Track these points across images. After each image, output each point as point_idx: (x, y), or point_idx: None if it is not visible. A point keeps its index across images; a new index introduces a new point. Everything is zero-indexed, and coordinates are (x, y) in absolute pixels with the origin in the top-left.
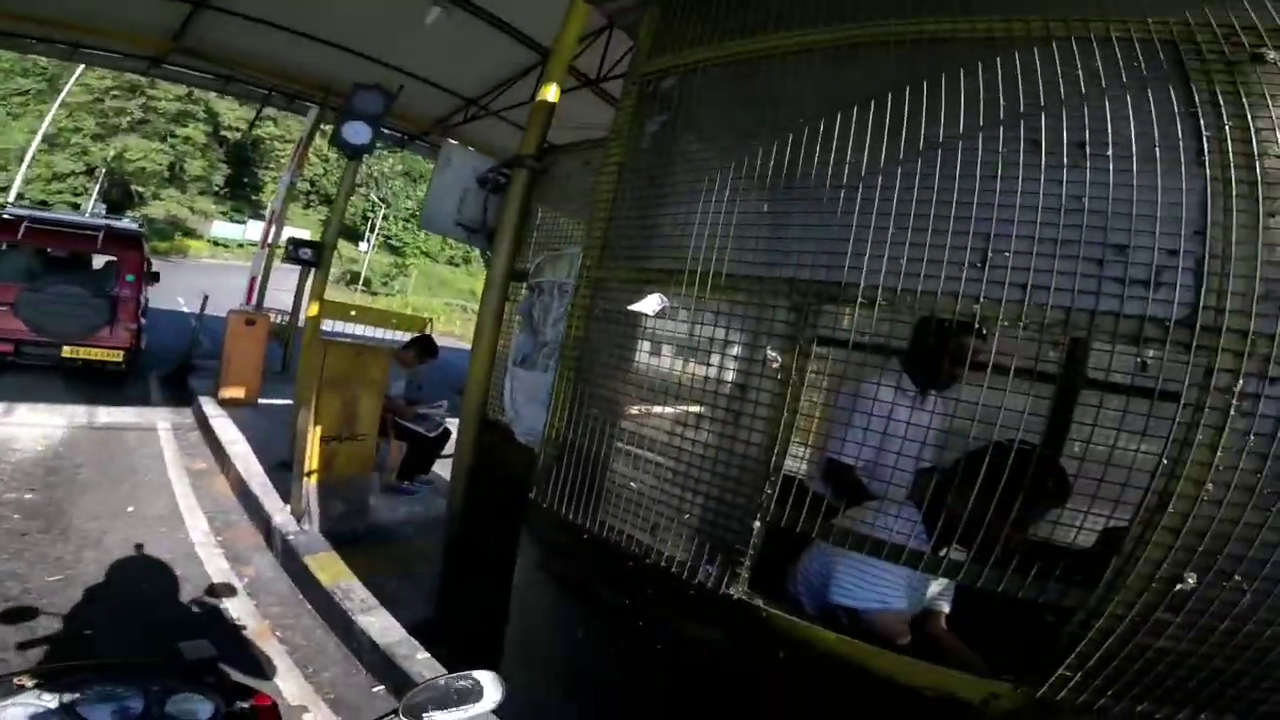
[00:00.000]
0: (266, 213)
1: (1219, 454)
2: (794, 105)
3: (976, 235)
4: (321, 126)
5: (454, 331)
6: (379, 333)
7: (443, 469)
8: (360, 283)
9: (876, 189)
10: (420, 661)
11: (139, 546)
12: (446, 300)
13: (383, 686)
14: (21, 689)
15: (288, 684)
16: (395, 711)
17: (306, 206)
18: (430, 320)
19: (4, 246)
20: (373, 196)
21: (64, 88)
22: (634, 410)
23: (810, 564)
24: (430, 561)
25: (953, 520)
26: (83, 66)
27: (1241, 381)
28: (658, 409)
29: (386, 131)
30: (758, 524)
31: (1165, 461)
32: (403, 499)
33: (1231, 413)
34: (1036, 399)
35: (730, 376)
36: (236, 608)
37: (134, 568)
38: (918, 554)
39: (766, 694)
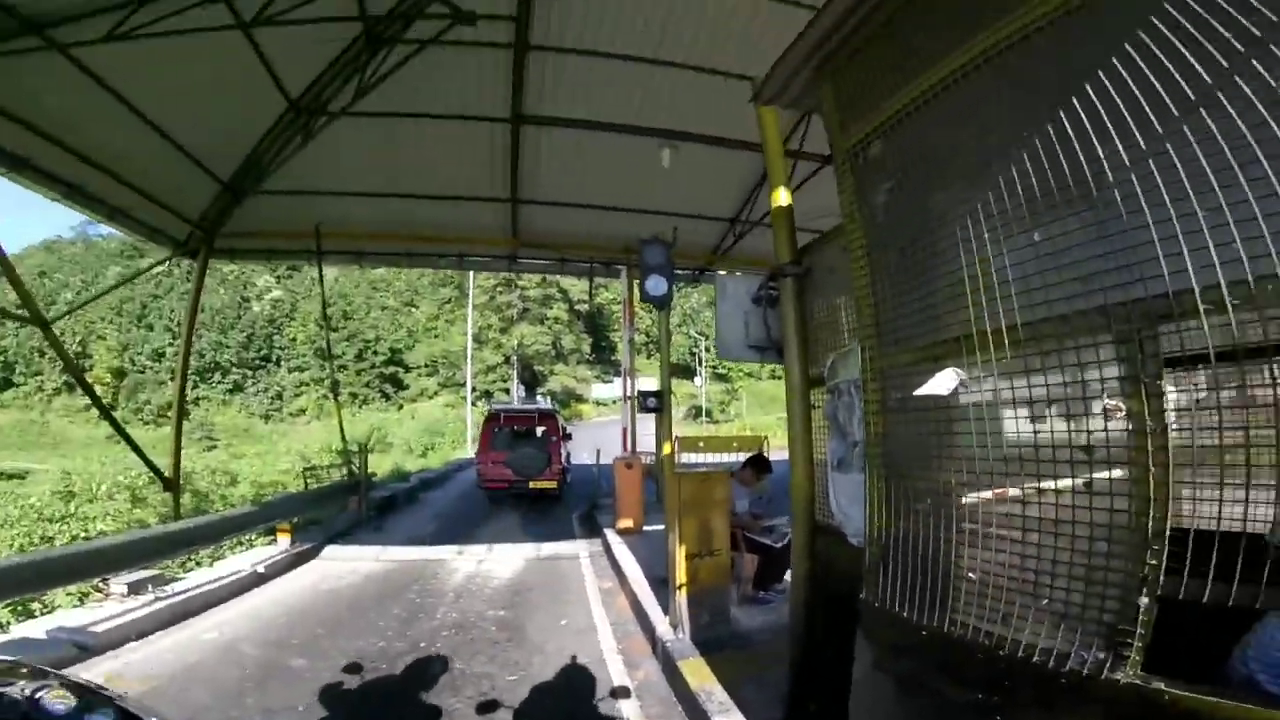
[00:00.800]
0: (621, 370)
1: None
2: (1035, 101)
3: None
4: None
5: None
6: (728, 456)
7: None
8: (704, 414)
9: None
10: None
11: (572, 657)
12: (778, 415)
13: None
14: None
15: None
16: None
17: (649, 356)
18: (765, 438)
19: (497, 429)
20: (692, 333)
21: (469, 292)
22: (959, 496)
23: (1266, 634)
24: (782, 664)
25: None
26: (472, 273)
27: None
28: (986, 491)
29: (680, 272)
30: (1144, 600)
31: None
32: (760, 607)
33: None
34: None
35: (1066, 437)
36: (627, 708)
37: (564, 671)
38: None
39: None
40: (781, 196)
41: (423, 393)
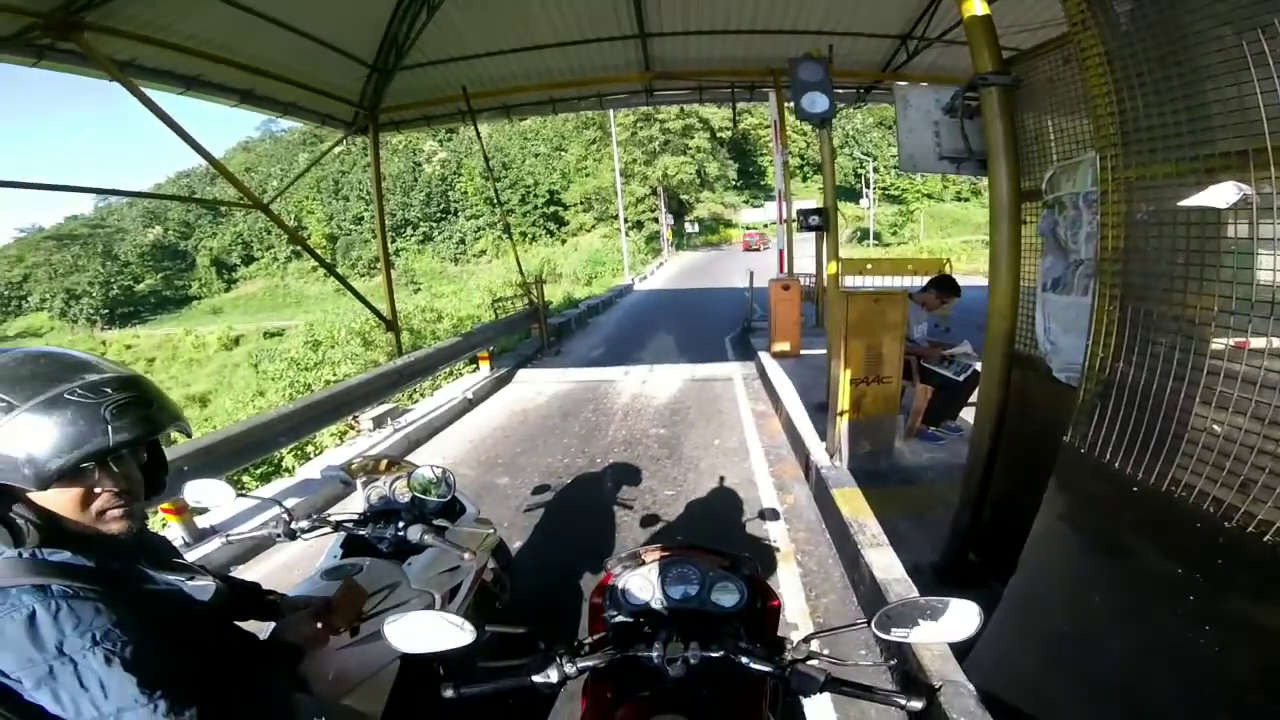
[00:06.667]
0: (774, 193)
1: None
2: None
3: None
4: (788, 104)
5: (977, 269)
6: (899, 280)
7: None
8: (871, 237)
9: None
10: None
11: (722, 477)
12: (963, 238)
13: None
14: (643, 562)
15: (792, 601)
16: (868, 621)
17: (805, 180)
18: (947, 260)
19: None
20: (856, 154)
21: (611, 132)
22: (1214, 335)
23: None
24: (947, 508)
25: None
26: (612, 111)
27: None
28: (1249, 334)
29: (841, 91)
30: None
31: None
32: (928, 444)
33: None
34: None
35: None
36: (775, 530)
37: (715, 489)
38: None
39: None
40: (976, 5)
41: (581, 227)
